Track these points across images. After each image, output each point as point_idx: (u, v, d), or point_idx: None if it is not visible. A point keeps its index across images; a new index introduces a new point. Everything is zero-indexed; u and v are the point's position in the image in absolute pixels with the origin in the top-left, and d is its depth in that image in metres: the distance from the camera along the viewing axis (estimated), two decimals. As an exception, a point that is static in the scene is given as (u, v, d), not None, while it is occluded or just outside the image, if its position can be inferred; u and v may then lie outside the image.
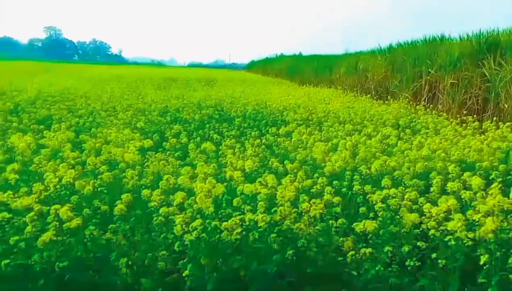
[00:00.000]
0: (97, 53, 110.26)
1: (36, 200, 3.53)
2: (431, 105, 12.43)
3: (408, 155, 5.87)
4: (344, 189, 4.69)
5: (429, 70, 13.98)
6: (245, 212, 3.61)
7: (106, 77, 21.51)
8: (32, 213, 3.37)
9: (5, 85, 13.75)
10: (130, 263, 3.20)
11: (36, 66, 31.05)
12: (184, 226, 3.26)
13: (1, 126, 7.25)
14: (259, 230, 3.32)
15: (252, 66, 56.92)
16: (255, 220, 3.33)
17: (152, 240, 3.70)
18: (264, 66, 45.05)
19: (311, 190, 4.37)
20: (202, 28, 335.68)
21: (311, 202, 3.75)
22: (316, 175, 4.92)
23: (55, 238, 3.04)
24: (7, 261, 2.97)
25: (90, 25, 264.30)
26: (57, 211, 3.26)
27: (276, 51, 55.57)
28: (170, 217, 3.56)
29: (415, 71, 14.86)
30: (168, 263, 3.49)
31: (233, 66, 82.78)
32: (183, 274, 3.22)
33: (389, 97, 14.65)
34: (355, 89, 18.07)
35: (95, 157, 5.29)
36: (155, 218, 3.70)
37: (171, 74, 29.40)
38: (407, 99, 13.65)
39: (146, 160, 5.59)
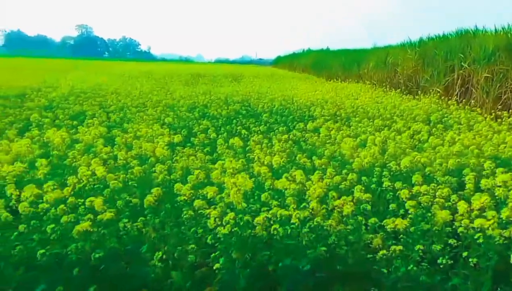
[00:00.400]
0: (126, 50, 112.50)
1: (71, 192, 3.65)
2: (463, 100, 12.07)
3: (440, 151, 5.73)
4: (373, 186, 4.62)
5: (462, 64, 13.56)
6: (272, 207, 3.62)
7: (135, 74, 21.93)
8: (62, 205, 3.50)
9: (40, 82, 14.23)
10: (161, 257, 3.25)
11: (68, 64, 31.97)
12: (217, 219, 3.28)
13: (37, 122, 7.52)
14: (291, 226, 3.31)
15: (278, 61, 56.72)
16: (287, 215, 3.33)
17: (181, 234, 3.77)
18: (291, 62, 44.81)
19: (340, 186, 4.34)
20: (228, 24, 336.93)
21: (341, 198, 3.72)
22: (344, 171, 4.87)
23: (90, 229, 3.14)
24: (43, 250, 3.09)
25: (120, 23, 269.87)
26: (92, 203, 3.37)
27: (302, 46, 55.15)
28: (200, 211, 3.61)
29: (447, 65, 14.44)
30: (197, 257, 3.54)
31: (260, 62, 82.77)
32: (214, 268, 3.26)
33: (419, 92, 14.33)
34: (384, 84, 17.75)
35: (126, 151, 5.42)
36: (184, 212, 3.76)
37: (198, 70, 29.70)
38: (438, 94, 13.29)
39: (175, 155, 5.69)
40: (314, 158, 5.42)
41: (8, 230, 3.46)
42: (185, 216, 3.71)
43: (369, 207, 3.91)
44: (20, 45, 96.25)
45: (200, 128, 7.79)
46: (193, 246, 3.50)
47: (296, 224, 3.31)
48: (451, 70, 14.24)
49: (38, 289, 3.07)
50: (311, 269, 3.27)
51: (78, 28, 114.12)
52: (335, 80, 21.95)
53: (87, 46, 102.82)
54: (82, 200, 3.60)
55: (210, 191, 3.66)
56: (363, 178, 4.58)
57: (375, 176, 4.86)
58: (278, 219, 3.38)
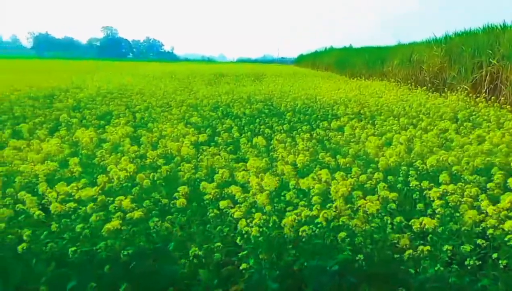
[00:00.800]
0: (150, 51, 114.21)
1: (100, 191, 3.74)
2: (492, 98, 11.72)
3: (468, 149, 5.60)
4: (399, 185, 4.56)
5: (491, 60, 13.18)
6: (298, 206, 3.61)
7: (159, 74, 22.23)
8: (91, 204, 3.59)
9: (68, 83, 14.60)
10: (195, 254, 3.29)
11: (94, 65, 32.69)
12: (248, 220, 3.30)
13: (66, 122, 7.73)
14: (318, 226, 3.30)
15: (300, 60, 56.50)
16: (312, 215, 3.32)
17: (207, 232, 3.81)
18: (313, 60, 44.57)
19: (365, 185, 4.30)
20: (250, 23, 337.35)
21: (366, 198, 3.68)
22: (369, 170, 4.82)
23: (120, 227, 3.21)
24: (74, 248, 3.18)
25: (144, 24, 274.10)
26: (121, 202, 3.45)
27: (325, 45, 54.69)
28: (225, 210, 3.64)
29: (475, 62, 14.08)
30: (223, 255, 3.58)
31: (282, 61, 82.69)
32: (240, 267, 3.28)
33: (446, 89, 14.02)
34: (409, 81, 17.43)
35: (152, 150, 5.52)
36: (210, 211, 3.80)
37: (220, 70, 29.86)
38: (465, 91, 12.96)
39: (199, 154, 5.75)
40: (338, 157, 5.38)
41: (40, 228, 3.58)
42: (210, 215, 3.75)
43: (394, 206, 3.86)
44: (48, 47, 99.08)
45: (223, 127, 7.85)
46: (218, 244, 3.53)
47: (323, 224, 3.29)
48: (479, 67, 13.87)
49: (69, 285, 3.16)
50: (338, 269, 3.25)
51: (104, 30, 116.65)
52: (358, 78, 21.71)
53: (112, 48, 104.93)
54: (112, 198, 3.68)
55: (235, 191, 3.67)
56: (389, 177, 4.52)
57: (401, 175, 4.79)
58: (304, 219, 3.37)
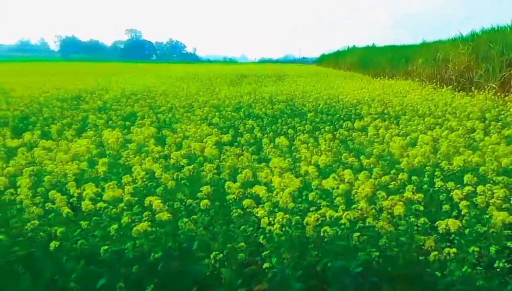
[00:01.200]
0: (173, 53, 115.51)
1: (127, 191, 3.82)
2: (522, 96, 11.37)
3: (497, 149, 5.45)
4: (425, 186, 4.48)
5: (520, 58, 12.79)
6: (321, 206, 3.60)
7: (182, 75, 22.49)
8: (121, 204, 3.68)
9: (94, 85, 14.94)
10: (220, 255, 3.32)
11: (119, 67, 33.37)
12: (271, 219, 3.31)
13: (93, 123, 7.93)
14: (341, 227, 3.29)
15: (322, 60, 56.10)
16: (336, 216, 3.31)
17: (230, 232, 3.85)
18: (335, 60, 44.18)
19: (389, 186, 4.25)
20: (272, 24, 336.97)
21: (389, 198, 3.64)
22: (393, 170, 4.76)
23: (149, 228, 3.28)
24: (106, 247, 3.26)
25: (167, 26, 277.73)
26: (151, 202, 3.52)
27: (347, 44, 54.16)
28: (248, 210, 3.66)
29: (503, 60, 13.68)
30: (246, 255, 3.60)
31: (303, 61, 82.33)
32: (263, 266, 3.30)
33: (473, 88, 13.63)
34: (434, 80, 17.08)
35: (176, 151, 5.60)
36: (234, 211, 3.83)
37: (242, 70, 29.96)
38: (493, 90, 12.60)
39: (222, 154, 5.80)
40: (361, 157, 5.33)
41: (69, 225, 3.69)
42: (234, 215, 3.78)
43: (421, 208, 3.80)
44: (75, 50, 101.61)
45: (245, 128, 7.89)
46: (242, 244, 3.56)
47: (347, 225, 3.27)
48: (508, 65, 13.47)
49: (100, 283, 3.25)
50: (361, 270, 3.23)
51: (128, 33, 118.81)
52: (381, 77, 21.41)
53: (136, 50, 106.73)
54: (137, 198, 3.76)
55: (259, 190, 3.69)
56: (414, 178, 4.45)
57: (426, 175, 4.70)
58: (328, 219, 3.35)
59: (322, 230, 3.18)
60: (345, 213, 3.30)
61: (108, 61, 55.37)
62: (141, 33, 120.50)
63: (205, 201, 3.80)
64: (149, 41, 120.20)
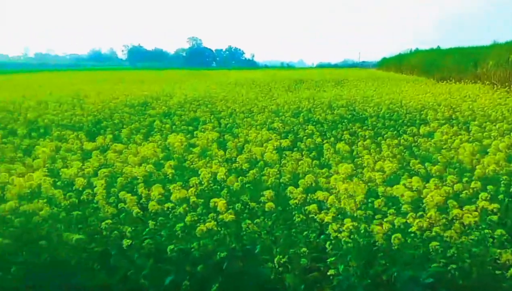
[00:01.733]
0: (232, 59, 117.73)
1: (193, 193, 3.96)
2: None
3: None
4: (500, 196, 4.20)
5: None
6: (388, 214, 3.50)
7: (241, 81, 22.85)
8: (185, 205, 3.81)
9: (159, 91, 15.63)
10: (283, 259, 3.34)
11: (181, 74, 34.62)
12: (335, 225, 3.28)
13: (158, 128, 8.31)
14: (412, 235, 3.17)
15: (383, 63, 54.51)
16: (405, 224, 3.19)
17: (293, 237, 3.85)
18: (397, 63, 42.77)
19: (460, 195, 4.03)
20: (330, 28, 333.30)
21: (463, 208, 3.45)
22: (465, 179, 4.51)
23: (215, 228, 3.38)
24: (172, 246, 3.40)
25: (226, 34, 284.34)
26: (216, 204, 3.63)
27: (409, 46, 52.17)
28: (311, 216, 3.65)
29: None
30: (309, 261, 3.58)
31: (363, 65, 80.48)
32: (328, 273, 3.26)
33: (552, 91, 12.59)
34: (506, 84, 15.99)
35: (236, 155, 5.71)
36: (296, 216, 3.83)
37: (300, 75, 29.89)
38: None
39: (283, 159, 5.82)
40: (427, 164, 5.11)
41: (138, 225, 3.89)
42: (297, 220, 3.78)
43: (495, 218, 3.56)
44: (141, 58, 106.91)
45: (305, 133, 7.87)
46: (304, 249, 3.54)
47: (418, 234, 3.14)
48: None
49: (168, 280, 3.39)
50: (432, 282, 3.09)
51: (189, 41, 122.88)
52: (448, 81, 20.38)
53: (197, 57, 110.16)
54: (202, 200, 3.88)
55: (323, 196, 3.66)
56: (489, 187, 4.18)
57: (502, 185, 4.41)
58: (396, 227, 3.24)
59: (393, 237, 3.07)
60: (417, 220, 3.16)
61: (171, 68, 57.62)
62: (201, 41, 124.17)
63: (270, 204, 3.84)
64: (209, 49, 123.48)
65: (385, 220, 3.37)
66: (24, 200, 3.98)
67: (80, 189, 4.22)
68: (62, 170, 4.81)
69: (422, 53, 37.62)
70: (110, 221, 3.71)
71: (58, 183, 4.46)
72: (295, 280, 3.44)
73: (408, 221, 3.24)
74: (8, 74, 35.89)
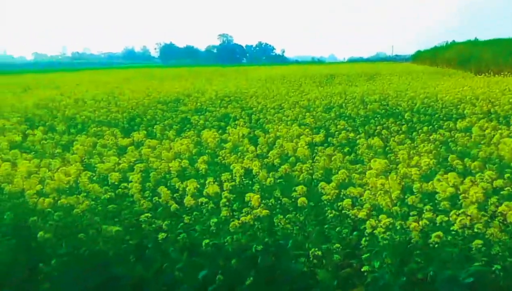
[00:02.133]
0: (262, 55, 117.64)
1: (225, 188, 3.99)
2: None
3: None
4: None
5: None
6: (424, 211, 3.40)
7: (271, 77, 22.82)
8: (224, 199, 3.83)
9: (190, 88, 15.84)
10: (314, 254, 3.33)
11: (212, 70, 34.91)
12: (376, 222, 3.22)
13: (191, 124, 8.43)
14: (452, 233, 3.07)
15: (417, 57, 53.14)
16: (442, 221, 3.09)
17: (326, 232, 3.82)
18: (432, 56, 41.60)
19: (501, 192, 3.87)
20: (361, 22, 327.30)
21: (503, 205, 3.31)
22: (507, 175, 4.32)
23: (250, 223, 3.40)
24: (207, 240, 3.44)
25: (256, 30, 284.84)
26: (250, 198, 3.65)
27: (445, 39, 50.55)
28: (344, 211, 3.60)
29: None
30: (342, 257, 3.54)
31: (396, 59, 78.68)
32: (362, 270, 3.22)
33: None
34: (550, 75, 15.22)
35: (267, 151, 5.71)
36: (328, 211, 3.80)
37: (331, 70, 29.56)
38: None
39: (314, 155, 5.78)
40: (466, 159, 4.94)
41: (173, 219, 3.96)
42: (329, 215, 3.74)
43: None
44: (172, 56, 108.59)
45: (337, 128, 7.79)
46: (337, 245, 3.51)
47: (459, 232, 3.03)
48: None
49: (201, 273, 3.44)
50: (472, 282, 2.98)
51: (220, 38, 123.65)
52: (486, 74, 19.62)
53: (227, 54, 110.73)
54: (234, 195, 3.90)
55: (357, 192, 3.61)
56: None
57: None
58: (438, 224, 3.14)
59: (433, 235, 2.98)
60: (459, 218, 3.05)
61: (203, 65, 58.35)
62: (232, 38, 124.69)
63: (303, 199, 3.82)
64: (240, 45, 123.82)
65: (423, 216, 3.27)
66: (64, 194, 4.14)
67: (116, 183, 4.34)
68: (98, 164, 4.97)
69: (458, 46, 36.48)
70: (149, 215, 3.80)
71: (95, 178, 4.60)
72: (328, 275, 3.41)
73: (452, 217, 3.11)
74: (47, 73, 37.28)
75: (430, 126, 7.60)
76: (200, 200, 3.76)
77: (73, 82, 21.65)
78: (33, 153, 6.21)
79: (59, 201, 3.96)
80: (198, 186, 4.18)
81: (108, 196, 4.09)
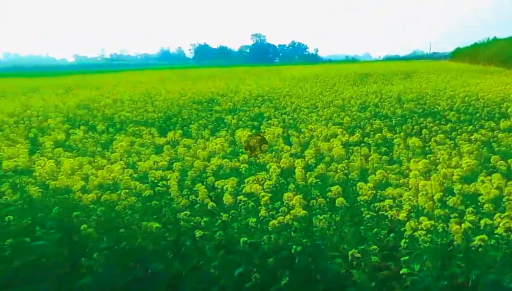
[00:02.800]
0: (295, 54, 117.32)
1: (265, 188, 4.00)
2: None
3: None
4: None
5: None
6: (466, 213, 3.29)
7: (304, 77, 22.69)
8: (266, 197, 3.83)
9: (224, 88, 15.99)
10: (353, 255, 3.29)
11: (245, 70, 35.06)
12: (416, 224, 3.15)
13: (225, 123, 8.52)
14: (496, 236, 2.96)
15: (457, 54, 51.35)
16: (485, 224, 2.98)
17: (362, 234, 3.76)
18: (472, 54, 40.08)
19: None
20: (397, 19, 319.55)
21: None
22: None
23: (289, 222, 3.40)
24: (245, 238, 3.47)
25: (289, 29, 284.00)
26: (289, 198, 3.66)
27: (486, 35, 48.61)
28: (381, 212, 3.55)
29: None
30: (379, 258, 3.49)
31: (434, 56, 76.42)
32: (400, 272, 3.16)
33: None
34: None
35: (302, 151, 5.69)
36: (365, 212, 3.74)
37: (366, 69, 29.05)
38: None
39: (350, 154, 5.71)
40: (510, 160, 4.74)
41: (209, 216, 4.02)
42: (366, 216, 3.69)
43: None
44: (206, 56, 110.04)
45: (373, 128, 7.66)
46: (374, 246, 3.46)
47: (504, 235, 2.92)
48: None
49: (237, 271, 3.48)
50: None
51: (253, 37, 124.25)
52: (531, 71, 18.73)
53: (260, 53, 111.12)
54: (271, 194, 3.91)
55: (395, 193, 3.54)
56: None
57: None
58: (482, 228, 3.03)
59: (477, 238, 2.88)
60: (503, 221, 2.94)
61: (236, 65, 58.64)
62: (265, 37, 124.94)
63: (341, 199, 3.79)
64: (273, 45, 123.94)
65: (465, 219, 3.17)
66: (106, 190, 4.29)
67: (156, 180, 4.46)
68: (138, 163, 5.11)
69: (500, 42, 34.93)
70: (188, 212, 3.88)
71: (135, 175, 4.73)
72: (365, 277, 3.37)
73: (497, 220, 3.00)
74: (87, 74, 38.61)
75: (471, 126, 7.35)
76: (239, 198, 3.79)
77: (111, 83, 22.29)
78: (75, 151, 6.47)
79: (102, 197, 4.11)
80: (236, 185, 4.22)
81: (148, 194, 4.19)
